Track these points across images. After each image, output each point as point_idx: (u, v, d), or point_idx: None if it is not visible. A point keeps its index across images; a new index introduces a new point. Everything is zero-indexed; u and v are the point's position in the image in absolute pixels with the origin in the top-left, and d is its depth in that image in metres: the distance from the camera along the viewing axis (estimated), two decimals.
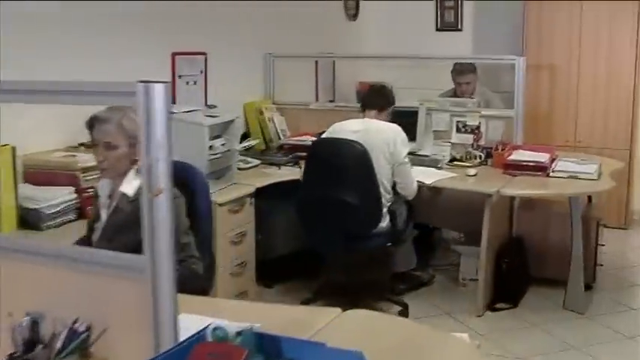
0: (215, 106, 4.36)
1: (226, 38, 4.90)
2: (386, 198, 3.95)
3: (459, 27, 6.66)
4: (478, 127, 4.68)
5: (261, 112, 5.08)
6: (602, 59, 5.77)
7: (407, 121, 4.72)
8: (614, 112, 5.79)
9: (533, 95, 5.98)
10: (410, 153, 4.53)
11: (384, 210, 3.91)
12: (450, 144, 4.74)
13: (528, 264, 4.51)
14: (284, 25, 5.53)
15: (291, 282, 4.58)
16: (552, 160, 4.34)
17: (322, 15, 6.08)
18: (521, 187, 4.09)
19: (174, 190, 2.53)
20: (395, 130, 3.99)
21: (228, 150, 3.94)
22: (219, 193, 3.85)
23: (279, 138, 5.03)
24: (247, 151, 4.84)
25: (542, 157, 4.29)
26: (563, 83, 5.92)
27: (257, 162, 4.59)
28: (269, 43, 5.38)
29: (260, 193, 4.14)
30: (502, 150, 4.45)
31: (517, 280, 4.36)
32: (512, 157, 4.32)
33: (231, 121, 4.03)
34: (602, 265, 4.57)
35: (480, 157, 4.58)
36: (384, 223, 3.93)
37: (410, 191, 4.00)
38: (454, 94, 5.50)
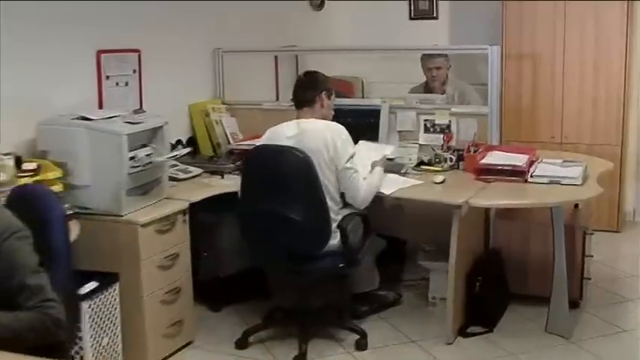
0: (143, 111, 3.82)
1: (167, 33, 4.36)
2: (334, 211, 3.43)
3: (434, 15, 6.12)
4: (448, 126, 4.15)
5: (207, 114, 4.56)
6: (590, 47, 5.24)
7: (369, 121, 4.22)
8: (603, 104, 5.26)
9: (514, 87, 5.47)
10: None
11: (334, 226, 3.39)
12: (417, 146, 4.21)
13: (507, 280, 3.99)
14: (237, 17, 5.00)
15: (242, 304, 4.06)
16: (531, 163, 3.82)
17: (283, 5, 5.54)
18: (493, 197, 3.56)
19: (16, 224, 2.04)
20: (333, 129, 3.46)
21: (154, 161, 3.40)
22: (143, 212, 3.35)
23: (229, 142, 4.51)
24: (193, 158, 4.34)
25: (520, 160, 3.77)
26: (547, 74, 5.39)
27: (199, 171, 4.07)
28: (221, 37, 4.85)
29: (206, 205, 3.66)
30: (475, 152, 3.93)
31: (494, 300, 3.84)
32: (485, 161, 3.80)
33: (159, 128, 3.50)
34: (589, 278, 4.05)
35: (451, 160, 4.06)
36: (335, 240, 3.41)
37: (358, 201, 3.48)
38: (426, 87, 4.97)
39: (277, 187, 3.34)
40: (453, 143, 4.12)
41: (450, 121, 4.14)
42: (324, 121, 3.54)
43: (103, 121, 3.33)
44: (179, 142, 4.46)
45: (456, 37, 6.07)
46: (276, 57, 5.45)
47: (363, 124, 4.19)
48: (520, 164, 3.72)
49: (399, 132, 4.27)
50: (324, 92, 3.63)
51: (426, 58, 4.88)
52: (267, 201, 3.36)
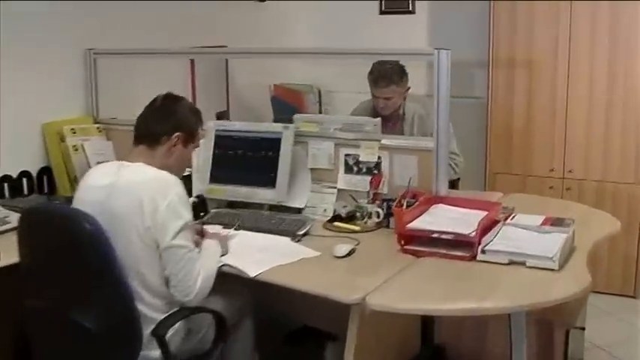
0: None
1: (23, 28, 3.21)
2: (154, 307, 2.20)
3: (410, 8, 4.82)
4: (378, 165, 2.87)
5: (63, 138, 3.36)
6: (602, 52, 3.89)
7: (267, 154, 2.96)
8: (619, 129, 3.91)
9: (503, 103, 4.17)
10: (273, 207, 2.83)
11: (147, 332, 2.16)
12: (335, 191, 2.95)
13: None
14: (132, 8, 3.80)
15: None
16: (491, 225, 2.52)
17: None
18: (413, 289, 2.26)
19: None
20: (158, 185, 2.22)
21: None
22: None
23: None
24: (49, 199, 3.21)
25: (468, 224, 2.47)
26: (547, 87, 4.06)
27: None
28: (109, 34, 3.66)
29: None
30: (408, 206, 2.64)
31: None
32: (414, 225, 2.51)
33: None
34: None
35: (378, 215, 2.78)
36: (153, 352, 2.17)
37: (191, 296, 2.22)
38: (375, 108, 3.69)
39: (57, 275, 2.12)
40: (383, 189, 2.85)
41: (379, 158, 2.86)
42: (153, 170, 2.30)
43: None
44: (24, 174, 3.30)
45: (437, 39, 4.77)
46: (191, 61, 4.23)
47: (253, 160, 2.95)
48: (466, 232, 2.42)
49: (313, 170, 3.01)
50: (180, 134, 2.39)
51: (371, 84, 3.57)
52: (45, 295, 2.14)
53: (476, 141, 4.35)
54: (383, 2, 4.88)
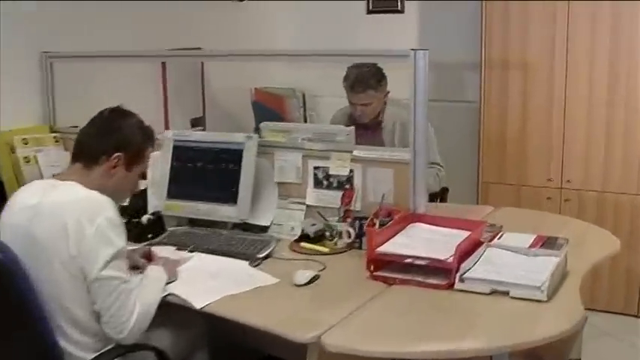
0: None
1: None
2: (82, 346, 1.93)
3: (399, 7, 4.53)
4: (349, 179, 2.59)
5: (13, 149, 3.09)
6: (603, 51, 3.60)
7: (228, 167, 2.69)
8: (620, 135, 3.61)
9: (497, 108, 3.89)
10: (237, 225, 2.57)
11: None
12: (304, 208, 2.67)
13: None
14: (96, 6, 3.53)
15: None
16: (469, 251, 2.24)
17: None
18: (378, 326, 1.97)
19: None
20: (82, 209, 1.94)
21: None
22: None
23: None
24: None
25: (448, 246, 2.19)
26: (543, 90, 3.77)
27: None
28: (68, 35, 3.40)
29: None
30: (381, 225, 2.35)
31: None
32: (385, 248, 2.23)
33: None
34: None
35: (349, 235, 2.50)
36: None
37: (125, 333, 1.94)
38: (352, 116, 3.41)
39: None
40: (355, 206, 2.57)
41: (351, 171, 2.58)
42: (83, 190, 2.02)
43: None
44: None
45: (427, 40, 4.49)
46: (163, 64, 3.95)
47: (214, 174, 2.67)
48: (442, 257, 2.14)
49: (280, 185, 2.73)
50: (121, 154, 2.12)
51: (347, 90, 3.30)
52: None
53: (468, 148, 4.07)
54: (370, 1, 4.59)
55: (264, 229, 2.69)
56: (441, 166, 3.36)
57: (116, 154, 2.11)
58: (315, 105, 4.69)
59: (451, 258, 2.12)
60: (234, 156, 2.64)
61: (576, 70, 3.64)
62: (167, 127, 3.99)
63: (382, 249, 2.21)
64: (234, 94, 4.44)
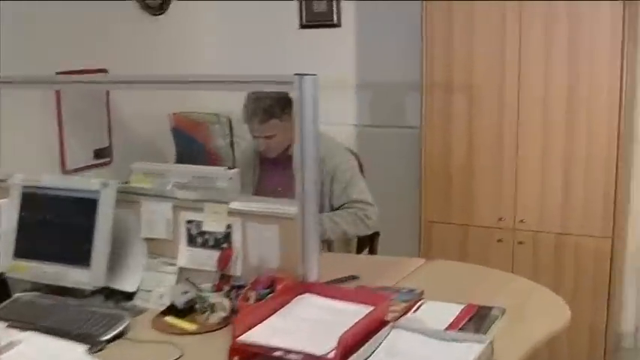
0: None
1: None
2: None
3: (334, 20, 4.02)
4: (227, 237, 2.06)
5: None
6: (562, 71, 3.10)
7: (81, 221, 2.15)
8: (582, 167, 3.10)
9: (440, 137, 3.37)
10: (99, 291, 2.04)
11: None
12: (176, 271, 2.14)
13: None
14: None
15: None
16: (365, 336, 1.71)
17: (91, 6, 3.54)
18: None
19: None
20: None
21: None
22: None
23: None
24: None
25: (338, 330, 1.65)
26: (493, 116, 3.25)
27: None
28: None
29: None
30: (258, 299, 1.82)
31: None
32: (249, 336, 1.69)
33: None
34: None
35: (224, 307, 1.97)
36: None
37: None
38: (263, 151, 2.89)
39: None
40: (235, 270, 2.04)
41: (228, 227, 2.05)
42: None
43: None
44: None
45: (365, 57, 3.99)
46: (57, 92, 3.42)
47: (64, 228, 2.14)
48: (321, 351, 1.60)
49: (148, 241, 2.19)
50: None
51: (246, 120, 2.81)
52: None
53: (408, 180, 3.56)
54: (304, 15, 4.08)
55: (130, 296, 2.15)
56: (369, 204, 2.83)
57: None
58: (245, 132, 4.17)
59: (332, 353, 1.58)
60: (87, 207, 2.10)
61: (529, 89, 3.15)
62: (63, 161, 3.49)
63: (246, 337, 1.68)
64: (149, 120, 3.92)
